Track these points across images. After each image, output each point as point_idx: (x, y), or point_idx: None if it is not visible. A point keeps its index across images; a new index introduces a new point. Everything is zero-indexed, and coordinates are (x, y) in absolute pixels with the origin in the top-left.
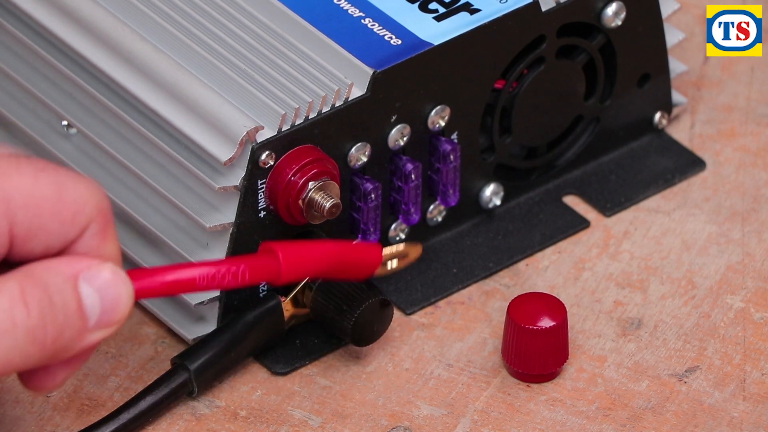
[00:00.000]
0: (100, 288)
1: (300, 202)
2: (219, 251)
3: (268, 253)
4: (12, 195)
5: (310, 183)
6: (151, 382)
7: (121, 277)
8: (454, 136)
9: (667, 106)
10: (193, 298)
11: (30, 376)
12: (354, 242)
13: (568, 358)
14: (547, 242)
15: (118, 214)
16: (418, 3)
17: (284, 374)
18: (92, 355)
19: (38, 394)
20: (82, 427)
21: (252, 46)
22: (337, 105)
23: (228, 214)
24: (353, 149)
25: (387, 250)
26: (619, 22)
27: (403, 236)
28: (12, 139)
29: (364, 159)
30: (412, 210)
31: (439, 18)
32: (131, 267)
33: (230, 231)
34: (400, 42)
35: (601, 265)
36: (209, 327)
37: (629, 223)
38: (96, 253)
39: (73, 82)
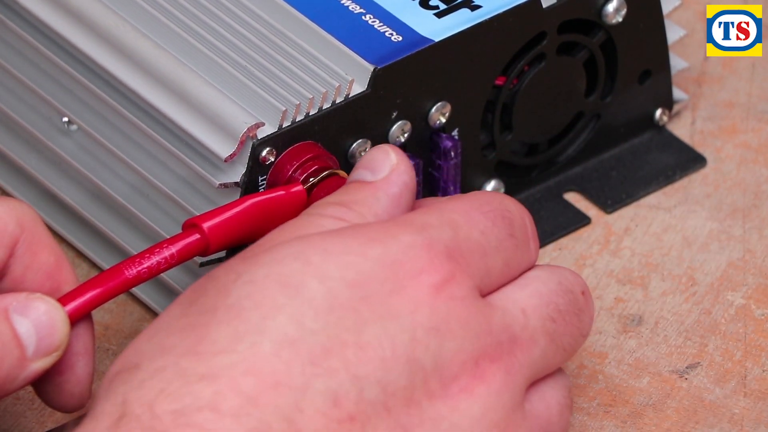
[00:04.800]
0: (33, 318)
1: None
2: None
3: (191, 227)
4: None
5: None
6: None
7: (51, 304)
8: (454, 133)
9: (668, 103)
10: None
11: (49, 397)
12: (273, 189)
13: None
14: (547, 239)
15: (119, 211)
16: (418, 0)
17: None
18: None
19: (67, 412)
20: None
21: (252, 43)
22: (337, 101)
23: None
24: (354, 146)
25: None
26: (620, 19)
27: None
28: (12, 136)
29: None
30: None
31: (440, 14)
32: None
33: None
34: (400, 38)
35: (601, 261)
36: None
37: (630, 219)
38: (33, 267)
39: (73, 79)
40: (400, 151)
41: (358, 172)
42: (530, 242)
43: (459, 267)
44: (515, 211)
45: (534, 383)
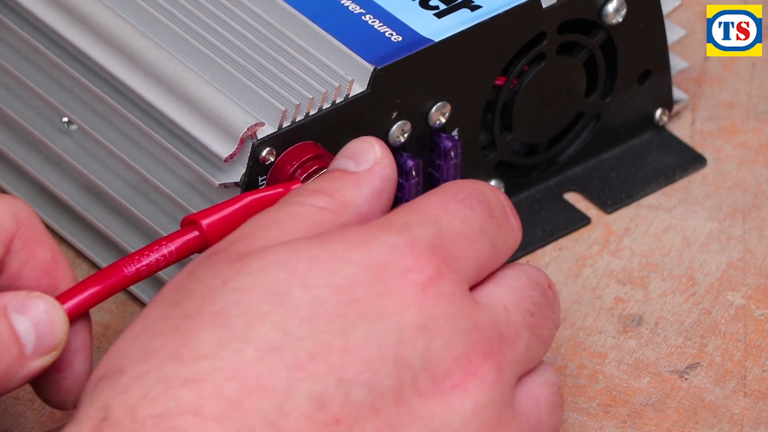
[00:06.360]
0: (32, 316)
1: None
2: None
3: (190, 224)
4: None
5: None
6: None
7: (51, 303)
8: (454, 133)
9: (668, 103)
10: None
11: (47, 394)
12: (272, 186)
13: None
14: (547, 239)
15: (119, 211)
16: (418, 0)
17: None
18: (94, 352)
19: (66, 410)
20: None
21: (252, 43)
22: (337, 101)
23: None
24: None
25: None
26: (620, 19)
27: None
28: (12, 136)
29: None
30: None
31: (440, 14)
32: None
33: None
34: (400, 38)
35: (601, 261)
36: None
37: (630, 219)
38: (30, 263)
39: (73, 79)
40: (384, 145)
41: (341, 161)
42: (511, 219)
43: (445, 262)
44: (489, 192)
45: (520, 381)
